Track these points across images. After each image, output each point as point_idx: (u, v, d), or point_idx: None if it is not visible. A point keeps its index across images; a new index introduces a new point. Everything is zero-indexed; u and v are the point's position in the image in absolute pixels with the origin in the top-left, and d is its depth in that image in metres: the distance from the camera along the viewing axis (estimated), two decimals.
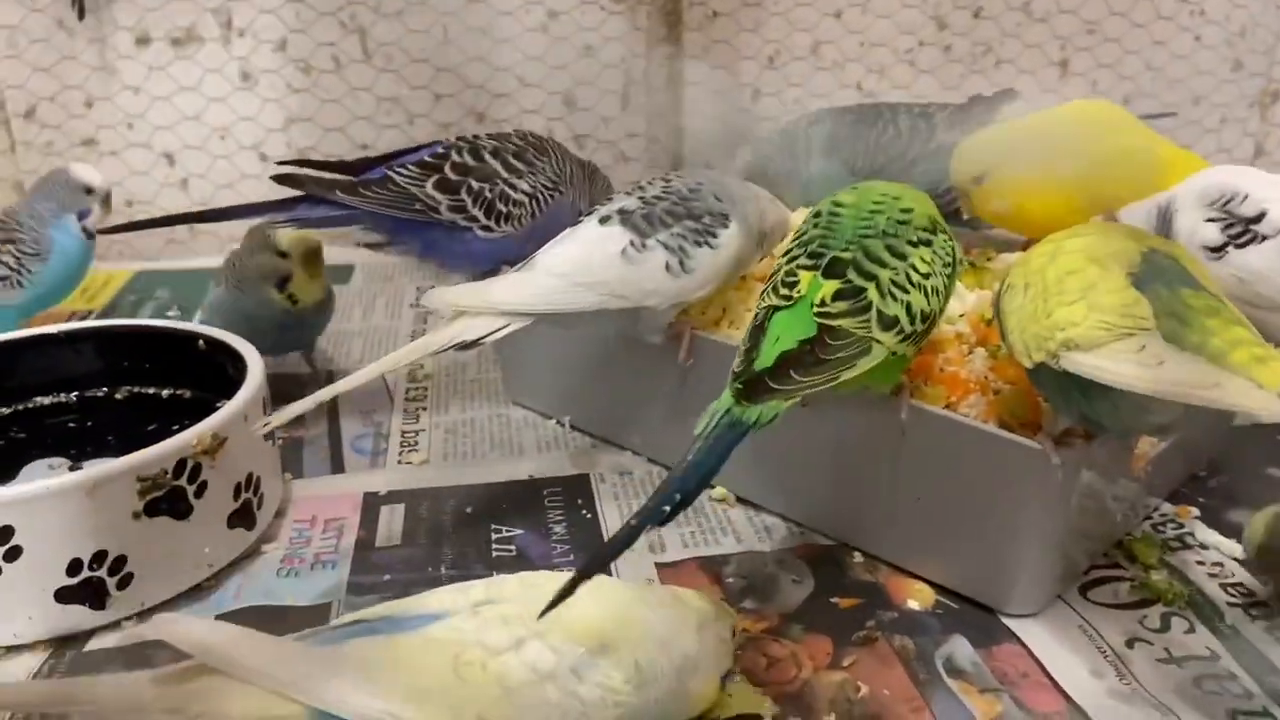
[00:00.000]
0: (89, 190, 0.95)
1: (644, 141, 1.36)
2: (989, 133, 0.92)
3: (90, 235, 0.97)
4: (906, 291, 0.58)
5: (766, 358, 0.56)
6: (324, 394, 0.67)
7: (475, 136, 0.85)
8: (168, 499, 0.63)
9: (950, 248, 0.63)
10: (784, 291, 0.59)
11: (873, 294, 0.58)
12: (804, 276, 0.59)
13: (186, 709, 0.44)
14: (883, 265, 0.59)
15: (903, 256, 0.60)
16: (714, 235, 0.71)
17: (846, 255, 0.59)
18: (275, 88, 1.26)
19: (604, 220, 0.72)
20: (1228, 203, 0.71)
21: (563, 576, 0.48)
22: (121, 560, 0.62)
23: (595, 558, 0.52)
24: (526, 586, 0.50)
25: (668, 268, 0.70)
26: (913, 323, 0.58)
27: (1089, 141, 0.86)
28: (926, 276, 0.59)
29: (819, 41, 1.34)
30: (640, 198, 0.73)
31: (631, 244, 0.70)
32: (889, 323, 0.57)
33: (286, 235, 0.83)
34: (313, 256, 0.85)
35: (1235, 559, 0.68)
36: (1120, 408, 0.54)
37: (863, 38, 1.34)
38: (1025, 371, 0.59)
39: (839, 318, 0.57)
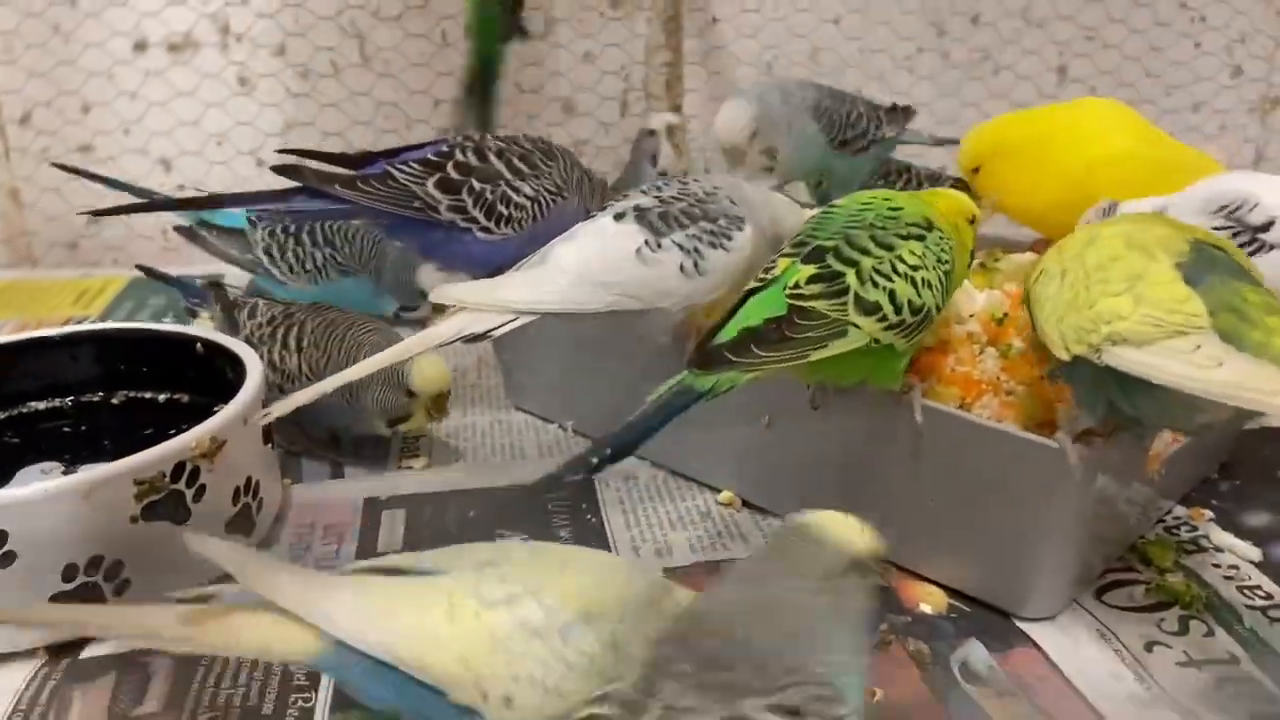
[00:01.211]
0: None
1: None
2: (990, 125, 0.92)
3: None
4: (891, 280, 0.58)
5: (729, 332, 0.57)
6: (326, 384, 0.65)
7: (482, 136, 0.84)
8: (166, 503, 0.62)
9: (946, 245, 0.62)
10: (761, 275, 0.60)
11: (851, 279, 0.58)
12: (782, 263, 0.60)
13: (199, 638, 0.46)
14: (866, 253, 0.59)
15: (890, 247, 0.59)
16: (729, 238, 0.70)
17: (829, 244, 0.59)
18: (273, 93, 1.25)
19: (619, 216, 0.70)
20: (1236, 210, 0.69)
21: (577, 551, 0.50)
22: (118, 565, 0.61)
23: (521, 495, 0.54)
24: (534, 554, 0.51)
25: (682, 269, 0.69)
26: (898, 312, 0.58)
27: (1088, 140, 0.85)
28: (916, 268, 0.59)
29: (817, 48, 1.34)
30: (657, 196, 0.72)
31: (646, 243, 0.69)
32: (869, 308, 0.57)
33: (420, 374, 0.76)
34: (441, 400, 0.79)
35: (1251, 561, 0.67)
36: (1168, 406, 0.53)
37: (861, 44, 1.34)
38: (1055, 363, 0.58)
39: (812, 299, 0.57)
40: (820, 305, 0.57)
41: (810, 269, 0.58)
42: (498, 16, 1.15)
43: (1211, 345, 0.50)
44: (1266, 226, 0.68)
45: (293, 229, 1.01)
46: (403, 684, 0.45)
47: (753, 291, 0.60)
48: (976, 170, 0.90)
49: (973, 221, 0.67)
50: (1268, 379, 0.48)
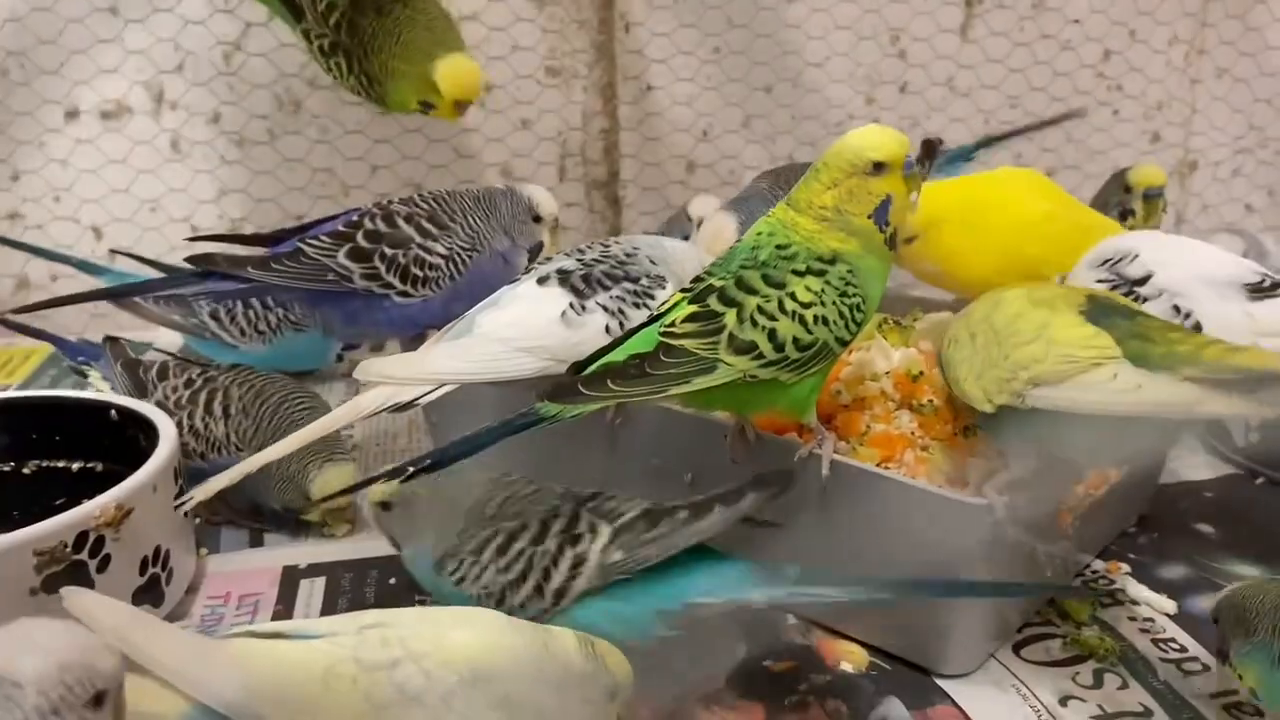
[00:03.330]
0: None
1: (582, 212, 1.37)
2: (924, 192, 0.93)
3: None
4: (774, 319, 0.58)
5: (593, 368, 0.58)
6: (249, 464, 0.65)
7: (389, 201, 0.84)
8: (67, 574, 0.60)
9: (850, 279, 0.60)
10: (654, 311, 0.62)
11: (730, 319, 0.58)
12: (675, 297, 0.61)
13: None
14: (753, 293, 0.59)
15: (780, 285, 0.59)
16: (651, 297, 0.71)
17: (719, 283, 0.60)
18: (207, 159, 1.25)
19: (542, 280, 0.71)
20: (1116, 263, 0.72)
21: (464, 612, 0.49)
22: None
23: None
24: (422, 616, 0.50)
25: (607, 330, 0.69)
26: (779, 350, 0.58)
27: (1013, 205, 0.87)
28: (808, 305, 0.58)
29: (750, 115, 1.36)
30: (579, 259, 0.73)
31: (571, 306, 0.69)
32: (744, 347, 0.58)
33: (322, 484, 0.75)
34: (339, 512, 0.78)
35: (1166, 614, 0.68)
36: (1098, 438, 0.55)
37: (793, 111, 1.37)
38: (977, 417, 0.59)
39: (683, 338, 0.58)
40: (690, 344, 0.58)
41: (691, 308, 0.59)
42: None
43: (1127, 371, 0.53)
44: (1144, 280, 0.70)
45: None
46: None
47: (640, 327, 0.61)
48: (911, 240, 0.89)
49: (881, 168, 0.59)
50: (1186, 392, 0.51)
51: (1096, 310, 0.58)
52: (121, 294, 0.96)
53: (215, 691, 0.44)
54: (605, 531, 0.58)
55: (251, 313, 1.01)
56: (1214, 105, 1.50)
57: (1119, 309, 0.59)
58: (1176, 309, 0.67)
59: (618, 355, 0.59)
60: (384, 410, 0.67)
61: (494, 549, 0.59)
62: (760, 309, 0.58)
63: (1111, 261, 0.72)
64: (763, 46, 1.34)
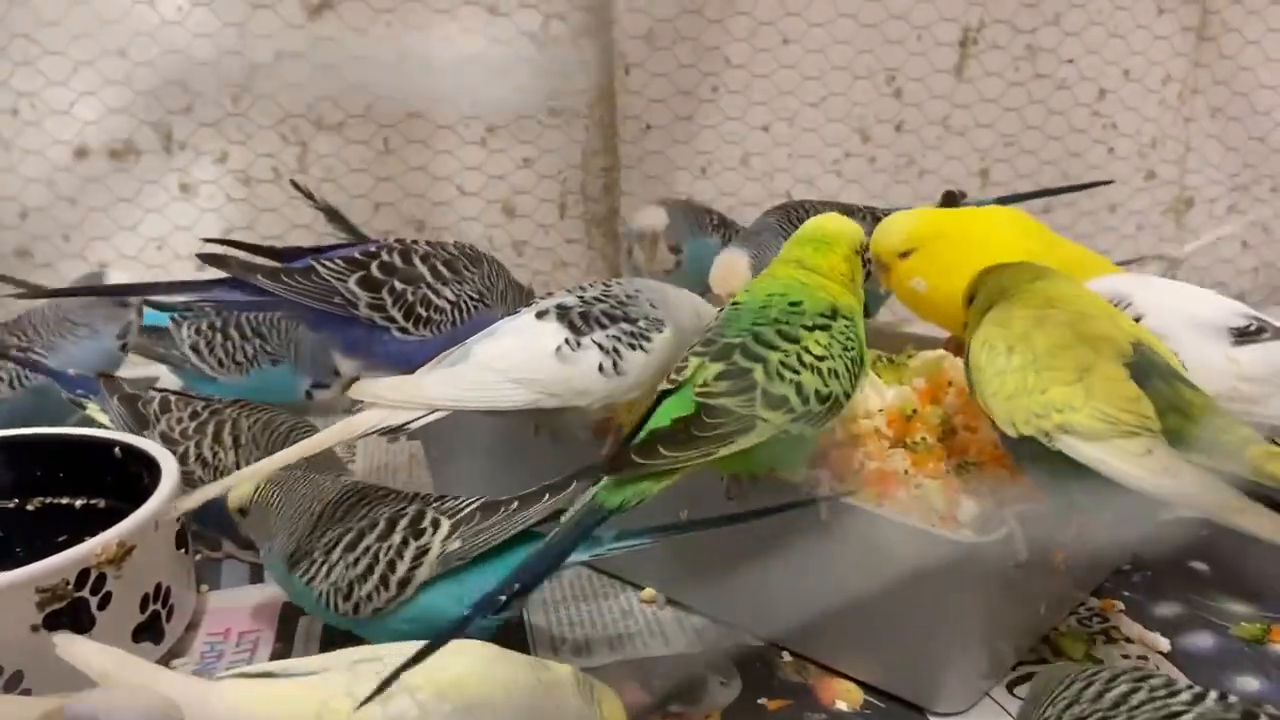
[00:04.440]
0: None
1: (582, 248, 1.39)
2: (920, 212, 0.93)
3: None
4: (797, 372, 0.59)
5: (641, 437, 0.58)
6: (235, 478, 0.65)
7: (413, 241, 0.85)
8: (69, 611, 0.61)
9: (850, 333, 0.63)
10: (673, 377, 0.61)
11: (759, 374, 0.59)
12: (693, 362, 0.61)
13: None
14: (773, 348, 0.60)
15: (795, 340, 0.61)
16: (648, 339, 0.72)
17: (736, 340, 0.61)
18: (214, 198, 1.26)
19: (541, 314, 0.72)
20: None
21: (457, 644, 0.49)
22: (18, 677, 0.59)
23: (422, 651, 0.48)
24: (411, 650, 0.50)
25: (601, 368, 0.70)
26: (805, 403, 0.59)
27: (1002, 239, 0.88)
28: (822, 359, 0.60)
29: (749, 153, 1.38)
30: (580, 297, 0.74)
31: (566, 341, 0.70)
32: (776, 401, 0.58)
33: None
34: None
35: (1159, 652, 0.68)
36: (1117, 500, 0.54)
37: (790, 150, 1.39)
38: (1001, 437, 0.59)
39: (720, 396, 0.58)
40: (728, 402, 0.58)
41: (718, 366, 0.60)
42: None
43: (1162, 451, 0.52)
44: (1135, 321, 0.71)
45: (219, 324, 1.03)
46: None
47: (666, 394, 0.61)
48: (907, 254, 0.89)
49: (864, 252, 0.70)
50: (1228, 497, 0.50)
51: (1141, 365, 0.56)
52: (127, 293, 0.97)
53: None
54: (445, 525, 0.63)
55: (230, 344, 1.04)
56: (1208, 143, 1.52)
57: (1160, 369, 0.57)
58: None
59: (661, 420, 0.59)
60: (375, 432, 0.68)
61: (343, 546, 0.63)
62: (783, 363, 0.59)
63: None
64: (760, 86, 1.36)
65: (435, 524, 0.63)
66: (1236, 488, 0.51)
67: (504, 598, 0.54)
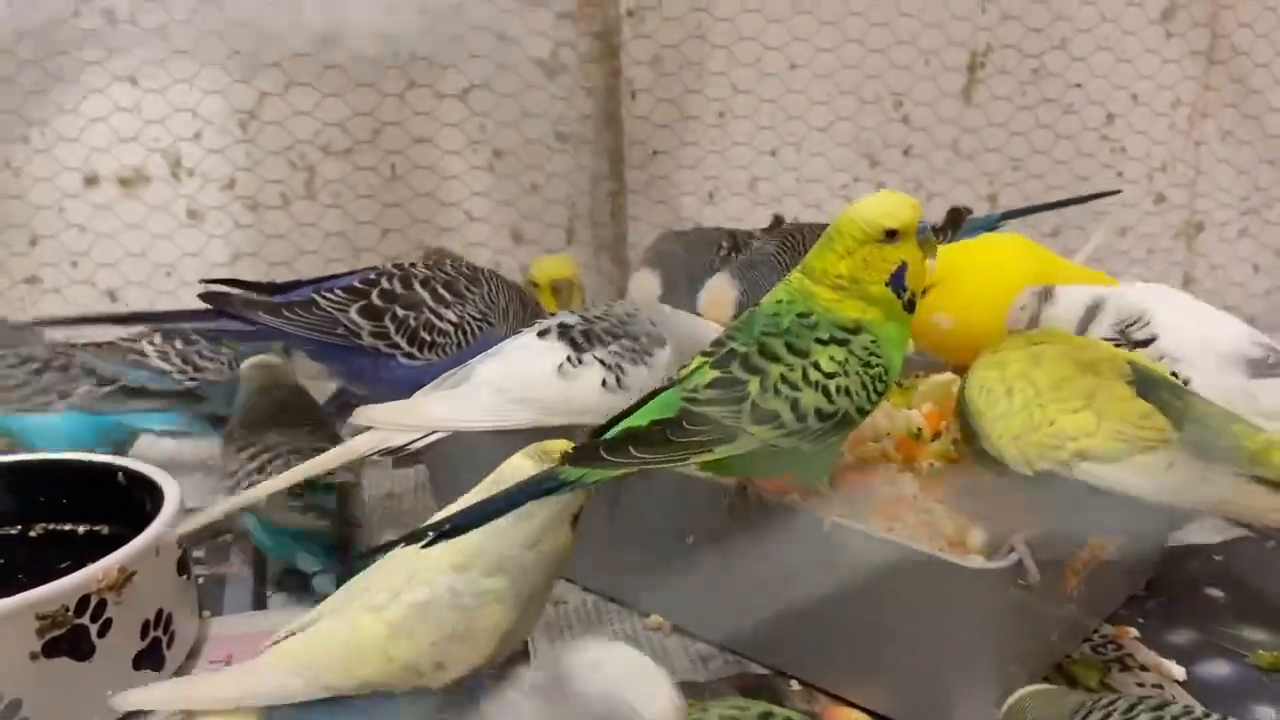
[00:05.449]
0: None
1: (590, 273, 1.38)
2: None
3: None
4: (797, 389, 0.58)
5: (614, 432, 0.57)
6: (238, 501, 0.65)
7: (411, 265, 0.85)
8: (69, 638, 0.60)
9: (871, 347, 0.60)
10: (674, 375, 0.61)
11: (753, 387, 0.58)
12: (696, 361, 0.60)
13: None
14: (776, 360, 0.58)
15: (804, 354, 0.59)
16: (649, 355, 0.72)
17: (742, 350, 0.60)
18: (221, 224, 1.27)
19: (543, 333, 0.72)
20: (1130, 325, 0.71)
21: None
22: (16, 705, 0.59)
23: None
24: (389, 562, 0.56)
25: (604, 384, 0.70)
26: (801, 419, 0.58)
27: (1008, 265, 0.88)
28: (831, 375, 0.58)
29: (756, 178, 1.38)
30: (581, 316, 0.74)
31: (569, 359, 0.70)
32: (765, 416, 0.57)
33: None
34: None
35: (1175, 680, 0.67)
36: (1144, 517, 0.54)
37: (797, 174, 1.39)
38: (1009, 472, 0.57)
39: (705, 404, 0.57)
40: (712, 411, 0.57)
41: (714, 374, 0.59)
42: None
43: (1184, 461, 0.51)
44: (1148, 342, 0.69)
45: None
46: (347, 709, 0.53)
47: (658, 391, 0.60)
48: (925, 290, 0.87)
49: (894, 235, 0.60)
50: (1259, 496, 0.50)
51: (1144, 383, 0.56)
52: (134, 321, 0.96)
53: (278, 690, 0.52)
54: None
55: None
56: (1218, 167, 1.51)
57: (1164, 384, 0.56)
58: (1174, 375, 0.67)
59: (640, 419, 0.58)
60: (378, 453, 0.68)
61: None
62: (784, 378, 0.58)
63: (1127, 322, 0.71)
64: (767, 111, 1.36)
65: None
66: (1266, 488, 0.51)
67: (430, 534, 0.51)
